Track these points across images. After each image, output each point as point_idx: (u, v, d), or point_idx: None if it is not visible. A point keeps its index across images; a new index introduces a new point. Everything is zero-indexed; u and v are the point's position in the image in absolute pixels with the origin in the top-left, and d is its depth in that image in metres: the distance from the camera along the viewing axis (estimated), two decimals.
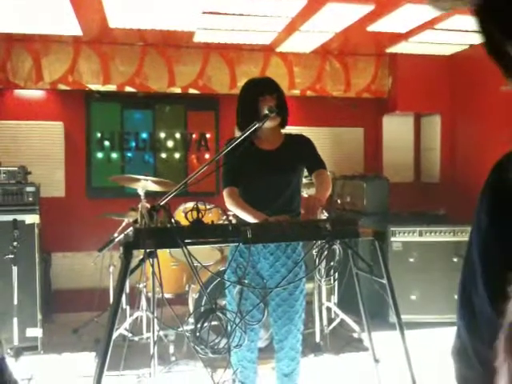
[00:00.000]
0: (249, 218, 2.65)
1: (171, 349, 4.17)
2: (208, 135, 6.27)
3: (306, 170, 3.00)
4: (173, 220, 2.12)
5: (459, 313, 1.10)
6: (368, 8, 4.44)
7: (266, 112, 2.62)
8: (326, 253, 2.34)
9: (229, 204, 2.81)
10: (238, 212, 2.76)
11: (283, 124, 2.96)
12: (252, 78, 3.06)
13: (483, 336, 1.01)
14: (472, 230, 1.09)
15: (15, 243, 4.13)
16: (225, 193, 2.84)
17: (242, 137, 2.48)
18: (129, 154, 6.09)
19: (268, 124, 2.67)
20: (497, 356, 0.98)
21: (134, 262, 2.22)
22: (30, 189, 4.41)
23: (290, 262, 2.85)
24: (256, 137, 2.78)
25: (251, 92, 2.88)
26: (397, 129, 6.63)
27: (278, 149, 2.92)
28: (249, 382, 2.98)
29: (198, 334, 2.19)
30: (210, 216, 3.94)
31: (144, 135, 6.12)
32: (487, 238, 1.03)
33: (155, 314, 3.53)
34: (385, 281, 2.48)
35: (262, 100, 2.81)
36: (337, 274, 2.65)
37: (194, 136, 6.24)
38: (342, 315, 4.78)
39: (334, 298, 4.91)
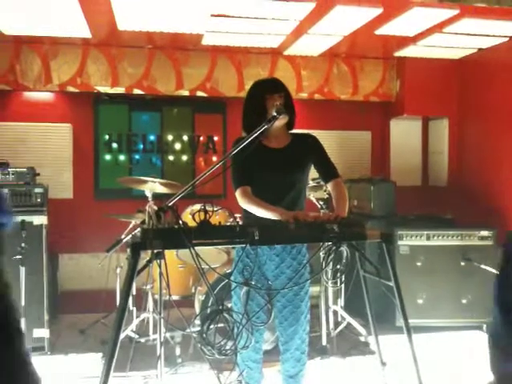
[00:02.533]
0: (267, 215, 2.62)
1: (177, 350, 4.17)
2: (215, 138, 6.28)
3: (317, 174, 3.00)
4: (180, 221, 2.13)
5: (496, 308, 1.10)
6: (376, 11, 4.44)
7: (274, 114, 2.62)
8: (332, 255, 2.34)
9: (244, 203, 2.77)
10: (255, 210, 2.71)
11: (290, 126, 2.96)
12: (259, 79, 3.05)
13: None
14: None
15: (23, 244, 4.15)
16: (238, 193, 2.80)
17: (251, 138, 2.48)
18: (136, 156, 6.11)
19: (276, 123, 2.67)
20: None
21: (141, 264, 2.23)
22: (38, 190, 4.43)
23: (296, 263, 2.84)
24: (264, 135, 2.76)
25: (258, 91, 2.88)
26: (404, 132, 6.62)
27: (285, 147, 2.92)
28: (254, 382, 2.98)
29: (204, 335, 2.19)
30: (217, 218, 3.95)
31: (152, 137, 6.14)
32: None
33: (162, 316, 3.54)
34: (392, 283, 2.47)
35: (270, 98, 2.81)
36: (344, 277, 2.64)
37: (201, 138, 6.26)
38: (348, 318, 4.77)
39: (341, 302, 4.90)
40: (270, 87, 2.86)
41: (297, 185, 2.88)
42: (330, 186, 2.91)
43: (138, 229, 3.26)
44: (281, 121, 2.74)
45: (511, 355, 1.07)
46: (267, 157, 2.86)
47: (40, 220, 4.39)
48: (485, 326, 5.00)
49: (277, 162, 2.85)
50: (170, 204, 2.20)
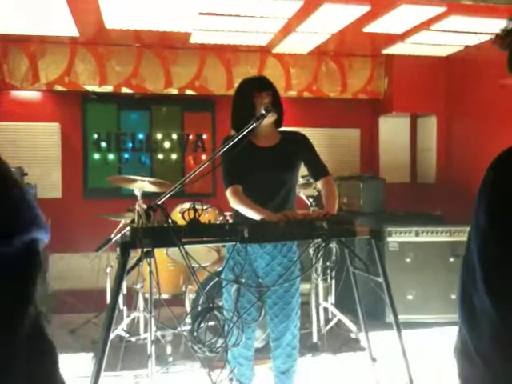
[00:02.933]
0: (255, 216, 2.63)
1: (168, 349, 4.17)
2: (205, 136, 6.28)
3: (307, 172, 3.01)
4: (170, 219, 2.13)
5: (460, 312, 1.10)
6: (364, 9, 4.45)
7: (263, 112, 2.63)
8: (322, 252, 2.35)
9: (234, 203, 2.78)
10: (243, 211, 2.72)
11: (279, 124, 2.97)
12: (247, 77, 3.06)
13: (484, 335, 1.02)
14: (470, 230, 1.09)
15: None
16: (228, 192, 2.81)
17: (240, 136, 2.48)
18: (125, 155, 6.09)
19: (264, 121, 2.67)
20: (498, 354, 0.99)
21: (131, 263, 2.23)
22: None
23: (286, 260, 2.85)
24: (253, 134, 2.77)
25: (246, 88, 2.89)
26: (393, 129, 6.65)
27: (275, 146, 2.93)
28: (245, 379, 2.99)
29: (195, 333, 2.20)
30: (207, 216, 3.95)
31: (141, 136, 6.12)
32: (486, 241, 1.04)
33: (152, 314, 3.53)
34: (382, 280, 2.49)
35: (258, 95, 2.82)
36: (334, 274, 2.66)
37: (190, 137, 6.25)
38: (339, 315, 4.79)
39: (331, 299, 4.92)
40: (257, 85, 2.88)
41: (287, 183, 2.89)
42: (320, 184, 2.92)
43: (128, 228, 3.26)
44: (269, 119, 2.75)
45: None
46: (257, 156, 2.87)
47: None
48: None
49: (267, 161, 2.86)
50: (159, 203, 2.20)
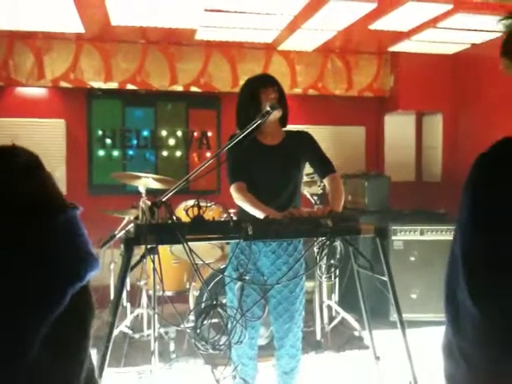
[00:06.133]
0: (258, 214, 2.62)
1: (172, 346, 4.17)
2: (209, 133, 6.27)
3: (313, 169, 3.00)
4: (174, 216, 2.12)
5: (445, 311, 1.09)
6: (370, 6, 4.43)
7: (268, 109, 2.62)
8: (326, 250, 2.34)
9: (238, 200, 2.77)
10: (247, 207, 2.71)
11: (283, 122, 2.95)
12: (251, 76, 3.05)
13: (467, 333, 1.01)
14: (455, 228, 1.08)
15: None
16: (232, 188, 2.80)
17: (245, 133, 2.48)
18: (130, 152, 6.09)
19: (270, 118, 2.66)
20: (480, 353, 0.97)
21: (135, 259, 2.22)
22: None
23: (292, 260, 2.84)
24: (258, 131, 2.76)
25: (252, 84, 2.88)
26: (398, 127, 6.63)
27: (280, 144, 2.92)
28: (249, 378, 2.98)
29: (198, 330, 2.19)
30: (211, 213, 3.94)
31: (145, 133, 6.13)
32: (468, 238, 1.03)
33: (156, 311, 3.53)
34: (386, 278, 2.48)
35: (264, 91, 2.81)
36: (337, 272, 2.65)
37: (195, 134, 6.24)
38: (342, 313, 4.78)
39: (335, 297, 4.91)
40: (263, 81, 2.87)
41: (292, 182, 2.88)
42: (326, 182, 2.90)
43: (132, 224, 3.26)
44: (275, 116, 2.74)
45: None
46: (262, 154, 2.86)
47: None
48: None
49: (272, 160, 2.85)
50: (163, 199, 2.20)
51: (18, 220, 0.75)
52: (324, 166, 2.93)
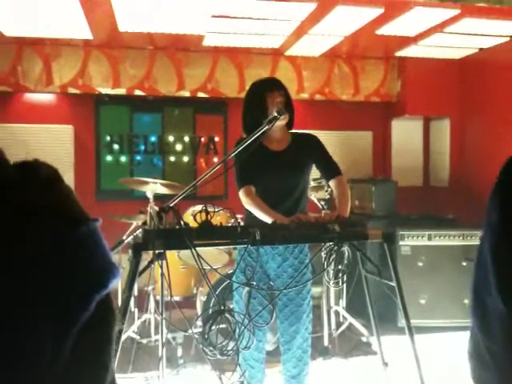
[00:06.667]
0: (266, 219, 2.62)
1: (179, 351, 4.17)
2: (216, 139, 6.28)
3: (319, 173, 3.00)
4: (182, 222, 2.13)
5: (472, 314, 1.08)
6: (377, 11, 4.43)
7: (275, 114, 2.62)
8: (334, 255, 2.34)
9: (247, 204, 2.78)
10: (255, 212, 2.72)
11: (290, 125, 2.96)
12: (257, 79, 3.05)
13: (496, 336, 1.01)
14: (483, 230, 1.08)
15: None
16: (241, 193, 2.81)
17: (252, 138, 2.48)
18: (138, 157, 6.11)
19: (276, 123, 2.67)
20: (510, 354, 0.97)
21: (143, 265, 2.23)
22: None
23: (297, 262, 2.85)
24: (264, 136, 2.77)
25: (258, 89, 2.88)
26: (406, 132, 6.62)
27: (286, 149, 2.92)
28: (256, 381, 2.97)
29: (206, 336, 2.19)
30: (219, 219, 3.95)
31: (153, 138, 6.15)
32: (498, 237, 1.02)
33: (164, 317, 3.53)
34: (394, 283, 2.47)
35: (270, 95, 2.81)
36: (345, 277, 2.64)
37: (202, 139, 6.26)
38: (350, 319, 4.76)
39: (343, 302, 4.89)
40: (269, 85, 2.87)
41: (299, 186, 2.88)
42: (332, 184, 2.90)
43: (140, 230, 3.26)
44: (281, 121, 2.74)
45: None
46: (268, 159, 2.87)
47: None
48: None
49: (278, 165, 2.86)
50: (171, 205, 2.21)
51: (42, 234, 0.77)
52: (330, 169, 2.93)
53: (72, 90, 5.68)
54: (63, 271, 0.76)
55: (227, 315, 2.23)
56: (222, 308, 2.22)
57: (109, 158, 6.04)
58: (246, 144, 2.48)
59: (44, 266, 0.74)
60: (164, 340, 3.56)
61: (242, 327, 2.25)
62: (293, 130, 3.01)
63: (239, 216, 3.28)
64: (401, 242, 5.00)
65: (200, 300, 4.28)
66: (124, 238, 4.27)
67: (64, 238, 0.78)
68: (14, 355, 0.70)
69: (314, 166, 2.98)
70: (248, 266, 2.66)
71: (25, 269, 0.72)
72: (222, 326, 2.24)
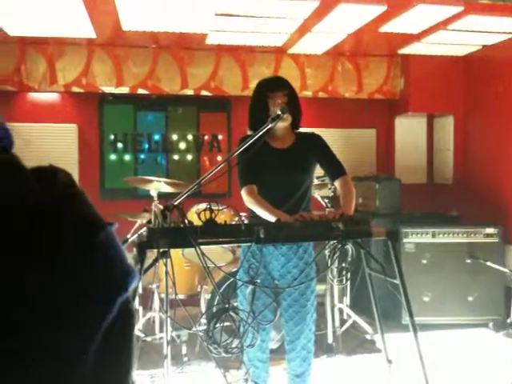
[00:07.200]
0: (270, 217, 2.62)
1: (184, 349, 4.18)
2: (220, 137, 6.29)
3: (324, 172, 3.00)
4: (186, 220, 2.13)
5: None
6: (380, 9, 4.43)
7: (279, 113, 2.62)
8: (338, 253, 2.34)
9: (249, 203, 2.77)
10: (258, 211, 2.71)
11: (296, 125, 2.96)
12: (264, 78, 3.06)
13: None
14: None
15: None
16: (243, 192, 2.80)
17: (255, 137, 2.49)
18: (142, 156, 6.12)
19: (279, 124, 2.67)
20: None
21: (148, 263, 2.24)
22: None
23: (302, 263, 2.84)
24: (268, 135, 2.76)
25: (260, 89, 2.89)
26: (409, 130, 6.61)
27: (290, 147, 2.92)
28: (260, 381, 2.98)
29: (210, 333, 2.20)
30: (223, 217, 3.95)
31: (156, 137, 6.16)
32: None
33: (168, 315, 3.55)
34: (398, 281, 2.47)
35: (272, 96, 2.81)
36: (349, 275, 2.64)
37: (206, 137, 6.27)
38: (354, 317, 4.76)
39: (347, 300, 4.89)
40: (271, 85, 2.87)
41: (302, 184, 2.88)
42: (337, 184, 2.90)
43: (144, 228, 3.27)
44: (285, 121, 2.74)
45: None
46: (272, 158, 2.87)
47: None
48: (491, 324, 4.99)
49: (281, 163, 2.85)
50: (175, 203, 2.21)
51: (63, 240, 0.78)
52: (335, 169, 2.92)
53: (76, 89, 5.69)
54: (88, 278, 0.77)
55: (231, 313, 2.24)
56: (227, 306, 2.23)
57: (113, 156, 6.06)
58: (250, 142, 2.49)
59: (69, 276, 0.75)
60: (169, 338, 3.57)
61: (247, 325, 2.26)
62: (297, 130, 3.01)
63: (243, 214, 3.28)
64: (405, 240, 5.00)
65: (204, 298, 4.29)
66: (128, 236, 4.28)
67: (85, 245, 0.79)
68: (50, 355, 0.71)
69: (318, 165, 2.98)
70: (252, 266, 2.66)
71: (52, 280, 0.73)
72: (226, 323, 2.24)
